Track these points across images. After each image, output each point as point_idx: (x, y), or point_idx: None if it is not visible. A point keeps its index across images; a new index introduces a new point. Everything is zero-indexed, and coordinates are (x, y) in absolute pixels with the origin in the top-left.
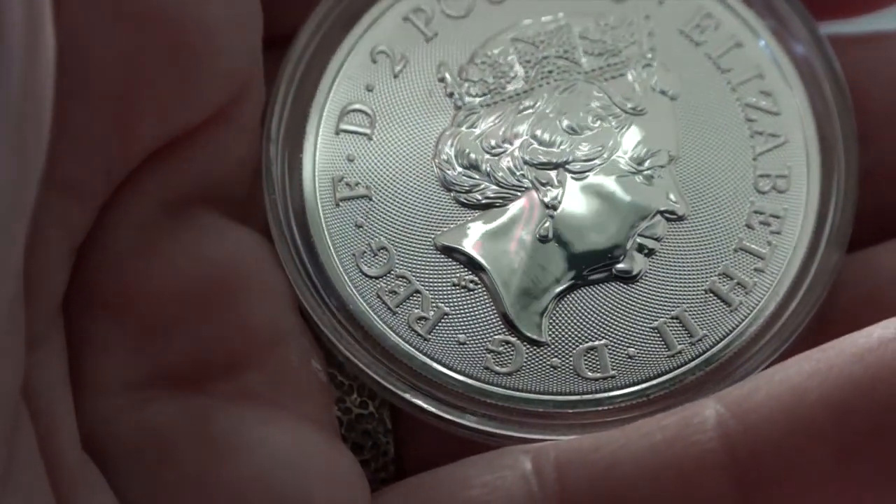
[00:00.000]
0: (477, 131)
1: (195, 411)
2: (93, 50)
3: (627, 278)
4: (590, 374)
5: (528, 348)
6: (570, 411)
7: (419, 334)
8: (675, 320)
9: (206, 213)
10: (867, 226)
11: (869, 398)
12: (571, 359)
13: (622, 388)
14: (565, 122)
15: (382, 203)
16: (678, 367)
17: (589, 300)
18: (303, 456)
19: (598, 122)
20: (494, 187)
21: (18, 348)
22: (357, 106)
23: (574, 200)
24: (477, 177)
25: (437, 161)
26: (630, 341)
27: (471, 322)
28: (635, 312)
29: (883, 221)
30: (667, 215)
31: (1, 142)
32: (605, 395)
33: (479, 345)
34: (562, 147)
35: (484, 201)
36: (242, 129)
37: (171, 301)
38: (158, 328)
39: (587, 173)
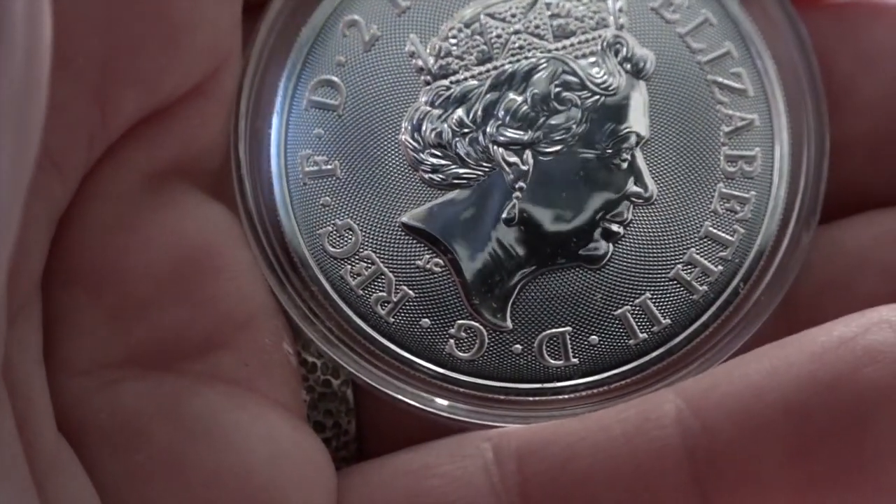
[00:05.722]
0: (445, 110)
1: (168, 393)
2: (74, 20)
3: (593, 263)
4: (551, 361)
5: (490, 333)
6: (531, 399)
7: (382, 317)
8: (638, 308)
9: (183, 187)
10: (833, 199)
11: (826, 399)
12: (534, 345)
13: (583, 376)
14: (534, 102)
15: (349, 180)
16: (641, 356)
17: (553, 285)
18: (273, 442)
19: (568, 102)
20: (461, 167)
21: (1, 327)
22: (327, 80)
23: (541, 181)
24: (444, 156)
25: (404, 139)
26: (593, 328)
27: (434, 306)
28: (599, 299)
29: (848, 195)
30: (634, 198)
31: (3, 128)
32: (567, 383)
33: (441, 329)
34: (530, 126)
35: (450, 181)
36: (221, 102)
37: (145, 279)
38: (132, 306)
39: (555, 154)
